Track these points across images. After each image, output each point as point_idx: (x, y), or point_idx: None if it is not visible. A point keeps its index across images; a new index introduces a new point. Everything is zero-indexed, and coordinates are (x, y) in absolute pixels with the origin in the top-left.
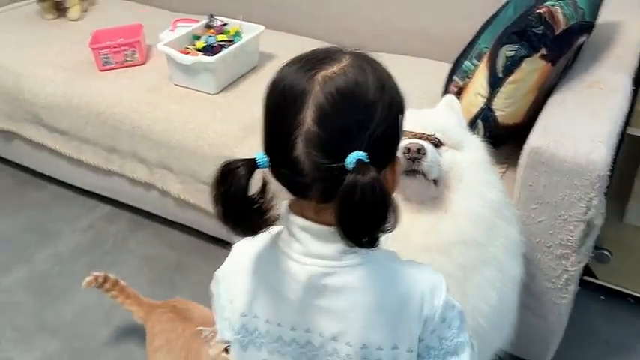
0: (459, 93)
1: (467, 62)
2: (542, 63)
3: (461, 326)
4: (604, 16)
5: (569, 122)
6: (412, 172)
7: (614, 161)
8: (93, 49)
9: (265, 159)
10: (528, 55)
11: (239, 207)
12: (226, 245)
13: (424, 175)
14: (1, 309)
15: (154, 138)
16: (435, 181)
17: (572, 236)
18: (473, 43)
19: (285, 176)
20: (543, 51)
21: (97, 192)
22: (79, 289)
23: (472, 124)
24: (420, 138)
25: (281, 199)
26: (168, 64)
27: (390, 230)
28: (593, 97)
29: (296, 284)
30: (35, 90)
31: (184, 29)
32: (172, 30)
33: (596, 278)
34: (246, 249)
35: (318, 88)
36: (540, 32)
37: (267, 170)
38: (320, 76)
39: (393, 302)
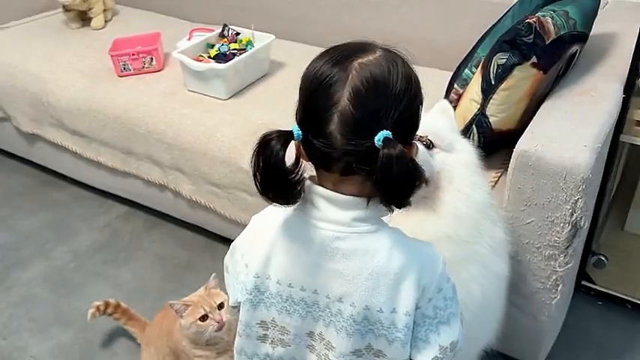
0: (458, 100)
1: (466, 70)
2: (534, 71)
3: (454, 298)
4: (600, 28)
5: (557, 127)
6: None
7: (608, 167)
8: (112, 56)
9: (300, 131)
10: (519, 63)
11: (277, 176)
12: None
13: None
14: (20, 301)
15: (168, 141)
16: (426, 181)
17: (559, 237)
18: (473, 51)
19: (317, 149)
20: (534, 59)
21: (115, 192)
22: (94, 284)
23: (467, 130)
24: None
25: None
26: (183, 70)
27: (419, 188)
28: (583, 105)
29: (310, 246)
30: (58, 94)
31: (199, 38)
32: (189, 39)
33: (595, 284)
34: (265, 219)
35: (355, 73)
36: (530, 41)
37: (299, 145)
38: (357, 62)
39: (396, 269)
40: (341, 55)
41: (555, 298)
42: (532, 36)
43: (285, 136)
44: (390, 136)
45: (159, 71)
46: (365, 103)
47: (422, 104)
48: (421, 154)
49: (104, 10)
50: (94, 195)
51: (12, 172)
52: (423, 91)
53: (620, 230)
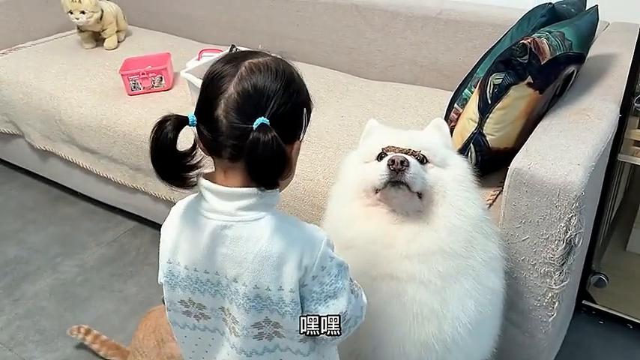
0: (458, 120)
1: (466, 90)
2: (530, 91)
3: (339, 274)
4: (600, 49)
5: (552, 146)
6: (396, 183)
7: (606, 187)
8: (122, 75)
9: (194, 118)
10: (515, 83)
11: (165, 155)
12: None
13: (408, 186)
14: (27, 313)
15: None
16: (420, 195)
17: (554, 254)
18: (473, 72)
19: (208, 134)
20: (529, 79)
21: (123, 208)
22: (100, 297)
23: (465, 148)
24: (406, 153)
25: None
26: (190, 89)
27: (288, 178)
28: (579, 124)
29: (204, 235)
30: (70, 112)
31: (208, 58)
32: (198, 59)
33: (596, 303)
34: (177, 208)
35: (244, 69)
36: (525, 61)
37: (196, 133)
38: (247, 62)
39: (277, 253)
40: (235, 56)
41: (552, 315)
42: (527, 56)
43: (180, 120)
44: (267, 123)
45: (168, 90)
46: (248, 92)
47: (307, 108)
48: (413, 166)
49: (117, 31)
50: (104, 210)
51: (25, 187)
52: (311, 99)
53: (623, 250)
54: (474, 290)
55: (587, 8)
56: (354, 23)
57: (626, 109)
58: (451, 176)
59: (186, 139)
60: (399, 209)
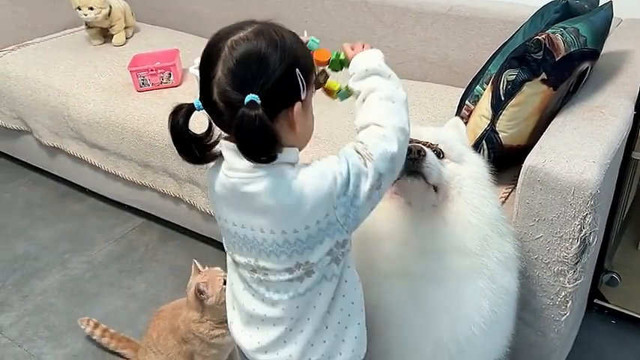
0: (469, 116)
1: (478, 87)
2: (544, 87)
3: (356, 180)
4: (614, 46)
5: (566, 143)
6: (413, 173)
7: (620, 185)
8: (131, 71)
9: (200, 103)
10: (529, 79)
11: (182, 139)
12: None
13: (424, 177)
14: (36, 309)
15: None
16: (436, 188)
17: (567, 253)
18: (484, 68)
19: (214, 115)
20: (544, 75)
21: (132, 205)
22: (108, 293)
23: (477, 145)
24: (424, 145)
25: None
26: (198, 85)
27: (273, 155)
28: (593, 121)
29: (228, 192)
30: (78, 108)
31: None
32: None
33: (608, 302)
34: (208, 173)
35: (227, 49)
36: (540, 57)
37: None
38: (230, 40)
39: (292, 201)
40: (218, 36)
41: (565, 314)
42: (541, 52)
43: (188, 108)
44: (256, 100)
45: (176, 86)
46: (233, 72)
47: (300, 67)
48: (429, 156)
49: (125, 28)
50: (112, 207)
51: (33, 184)
52: (303, 55)
53: (635, 249)
54: (489, 290)
55: (600, 4)
56: (363, 19)
57: None
58: (467, 173)
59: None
60: (414, 202)
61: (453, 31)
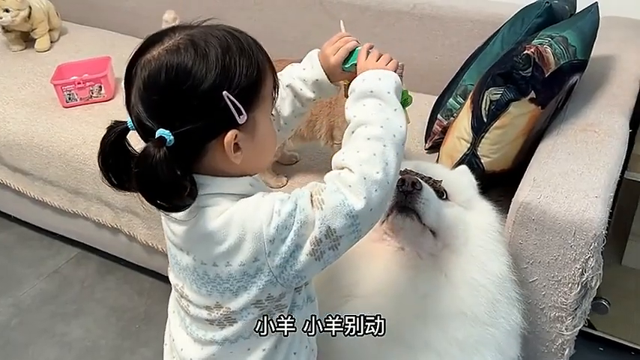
0: (443, 132)
1: (451, 100)
2: (532, 107)
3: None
4: (597, 49)
5: (562, 174)
6: (405, 210)
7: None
8: (55, 85)
9: (132, 124)
10: (516, 99)
11: (112, 156)
12: None
13: (418, 216)
14: None
15: None
16: (433, 233)
17: (566, 299)
18: (457, 78)
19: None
20: (532, 94)
21: (64, 234)
22: (40, 343)
23: None
24: (421, 179)
25: None
26: None
27: (181, 204)
28: (588, 144)
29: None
30: None
31: None
32: None
33: (595, 329)
34: None
35: (140, 72)
36: (529, 75)
37: None
38: (142, 60)
39: (214, 228)
40: (135, 52)
41: None
42: (530, 69)
43: (121, 126)
44: (166, 136)
45: (109, 100)
46: (143, 100)
47: (229, 89)
48: (426, 191)
49: (50, 30)
50: (43, 236)
51: None
52: (247, 68)
53: (619, 265)
54: None
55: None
56: (318, 18)
57: (636, 124)
58: (476, 222)
59: None
60: (408, 246)
61: (417, 32)
